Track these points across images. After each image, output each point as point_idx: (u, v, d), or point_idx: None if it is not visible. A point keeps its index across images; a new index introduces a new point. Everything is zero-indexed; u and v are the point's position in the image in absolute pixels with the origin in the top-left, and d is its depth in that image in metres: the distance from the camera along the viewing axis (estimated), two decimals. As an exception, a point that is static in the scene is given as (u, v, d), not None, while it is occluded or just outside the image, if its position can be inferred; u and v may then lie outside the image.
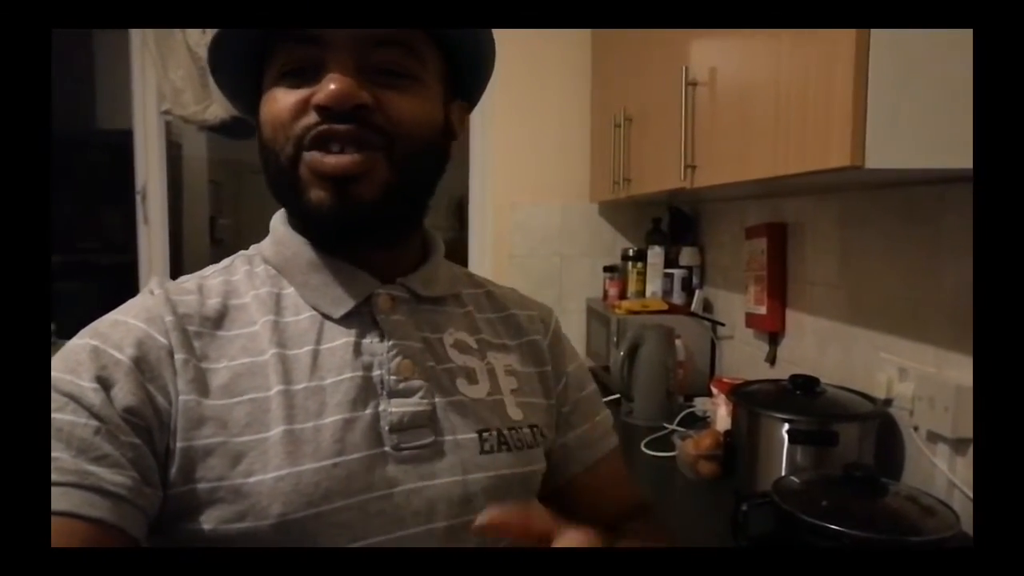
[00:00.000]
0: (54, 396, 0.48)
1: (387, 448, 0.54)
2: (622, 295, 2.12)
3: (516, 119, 2.23)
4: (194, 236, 3.48)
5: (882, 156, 0.78)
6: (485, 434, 0.58)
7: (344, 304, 0.57)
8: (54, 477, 0.45)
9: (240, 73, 0.59)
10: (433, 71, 0.58)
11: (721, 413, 1.42)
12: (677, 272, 2.03)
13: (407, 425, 0.55)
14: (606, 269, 2.18)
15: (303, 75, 0.54)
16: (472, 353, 0.62)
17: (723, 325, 1.87)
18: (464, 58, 0.61)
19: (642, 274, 2.09)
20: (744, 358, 1.77)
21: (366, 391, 0.55)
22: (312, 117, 0.53)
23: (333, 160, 0.53)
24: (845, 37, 0.78)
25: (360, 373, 0.55)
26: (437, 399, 0.58)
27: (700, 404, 1.70)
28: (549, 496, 0.68)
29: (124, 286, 2.46)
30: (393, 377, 0.56)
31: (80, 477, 0.45)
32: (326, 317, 0.57)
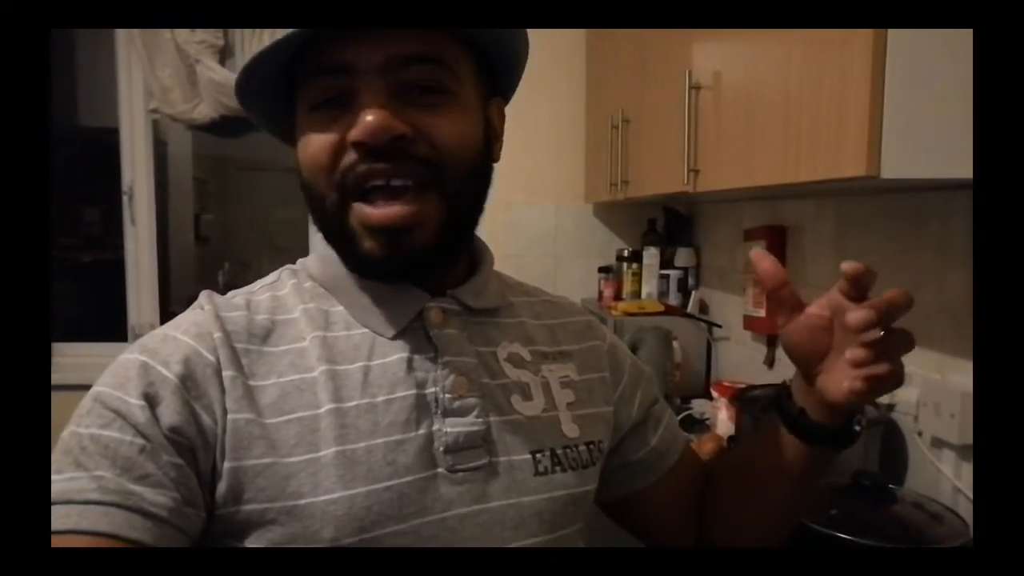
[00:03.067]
0: (102, 412, 0.47)
1: (441, 469, 0.53)
2: (617, 296, 2.11)
3: (509, 119, 2.19)
4: (179, 234, 3.44)
5: (898, 166, 0.77)
6: (539, 455, 0.57)
7: (397, 323, 0.56)
8: (98, 496, 0.44)
9: (271, 102, 0.57)
10: (467, 79, 0.55)
11: (722, 417, 1.42)
12: (673, 273, 2.03)
13: (462, 445, 0.54)
14: (601, 270, 2.18)
15: (335, 106, 0.52)
16: (526, 367, 0.61)
17: (719, 327, 1.88)
18: (497, 56, 0.59)
19: (637, 275, 2.09)
20: (741, 360, 1.77)
21: (419, 410, 0.53)
22: (351, 156, 0.51)
23: (379, 213, 0.51)
24: (860, 42, 0.77)
25: (413, 391, 0.54)
26: (492, 418, 0.56)
27: (698, 406, 1.70)
28: (633, 498, 0.69)
29: (107, 285, 2.41)
30: (448, 395, 0.54)
31: (123, 497, 0.45)
32: (378, 335, 0.56)
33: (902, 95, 0.76)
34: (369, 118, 0.49)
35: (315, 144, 0.52)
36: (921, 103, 0.77)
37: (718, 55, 1.21)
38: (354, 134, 0.50)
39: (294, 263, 0.62)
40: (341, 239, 0.54)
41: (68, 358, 2.21)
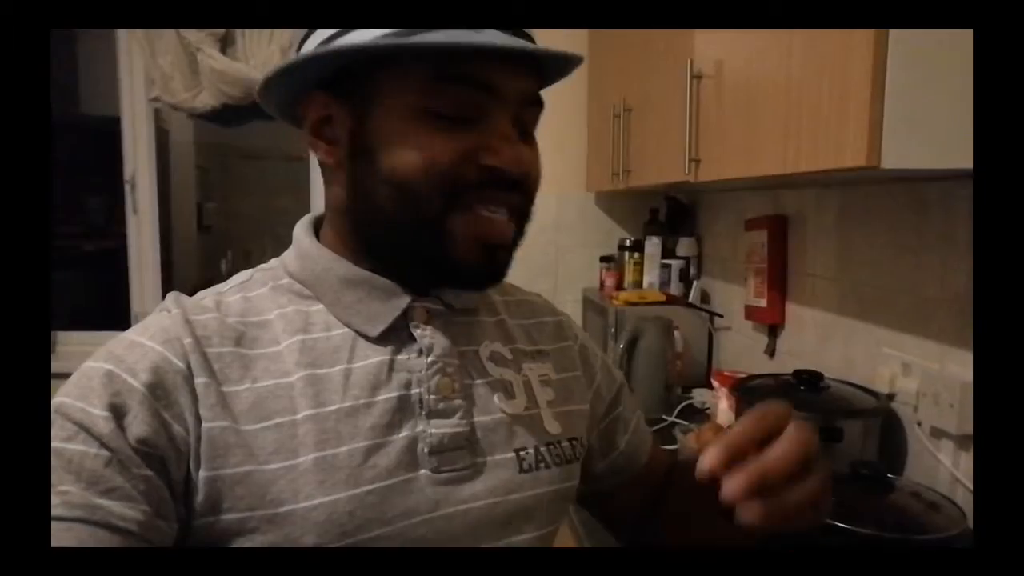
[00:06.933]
0: (64, 424, 0.46)
1: (424, 471, 0.53)
2: (619, 286, 2.11)
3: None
4: (181, 222, 3.44)
5: (898, 156, 0.77)
6: (522, 452, 0.57)
7: (381, 321, 0.55)
8: (61, 511, 0.43)
9: (298, 88, 0.55)
10: None
11: (722, 407, 1.42)
12: (674, 263, 2.02)
13: (447, 447, 0.53)
14: (603, 259, 2.17)
15: (461, 119, 0.51)
16: (508, 365, 0.61)
17: (721, 316, 1.88)
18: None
19: (639, 264, 2.09)
20: (742, 350, 1.77)
21: (402, 412, 0.53)
22: (474, 172, 0.51)
23: (501, 226, 0.53)
24: (862, 33, 0.77)
25: (396, 393, 0.53)
26: (476, 418, 0.56)
27: (699, 396, 1.71)
28: (611, 492, 0.71)
29: (111, 273, 2.42)
30: (433, 396, 0.54)
31: (88, 512, 0.43)
32: (360, 334, 0.55)
33: (903, 86, 0.76)
34: (513, 150, 0.52)
35: (436, 149, 0.51)
36: (922, 94, 0.76)
37: (720, 45, 1.21)
38: (501, 162, 0.51)
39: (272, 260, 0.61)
40: (434, 242, 0.52)
41: (71, 347, 2.22)
